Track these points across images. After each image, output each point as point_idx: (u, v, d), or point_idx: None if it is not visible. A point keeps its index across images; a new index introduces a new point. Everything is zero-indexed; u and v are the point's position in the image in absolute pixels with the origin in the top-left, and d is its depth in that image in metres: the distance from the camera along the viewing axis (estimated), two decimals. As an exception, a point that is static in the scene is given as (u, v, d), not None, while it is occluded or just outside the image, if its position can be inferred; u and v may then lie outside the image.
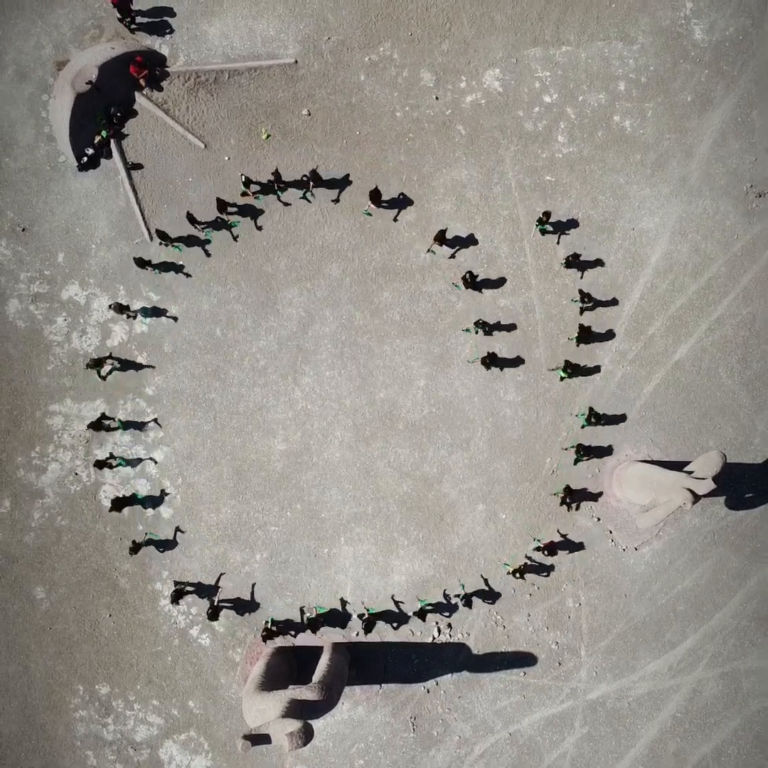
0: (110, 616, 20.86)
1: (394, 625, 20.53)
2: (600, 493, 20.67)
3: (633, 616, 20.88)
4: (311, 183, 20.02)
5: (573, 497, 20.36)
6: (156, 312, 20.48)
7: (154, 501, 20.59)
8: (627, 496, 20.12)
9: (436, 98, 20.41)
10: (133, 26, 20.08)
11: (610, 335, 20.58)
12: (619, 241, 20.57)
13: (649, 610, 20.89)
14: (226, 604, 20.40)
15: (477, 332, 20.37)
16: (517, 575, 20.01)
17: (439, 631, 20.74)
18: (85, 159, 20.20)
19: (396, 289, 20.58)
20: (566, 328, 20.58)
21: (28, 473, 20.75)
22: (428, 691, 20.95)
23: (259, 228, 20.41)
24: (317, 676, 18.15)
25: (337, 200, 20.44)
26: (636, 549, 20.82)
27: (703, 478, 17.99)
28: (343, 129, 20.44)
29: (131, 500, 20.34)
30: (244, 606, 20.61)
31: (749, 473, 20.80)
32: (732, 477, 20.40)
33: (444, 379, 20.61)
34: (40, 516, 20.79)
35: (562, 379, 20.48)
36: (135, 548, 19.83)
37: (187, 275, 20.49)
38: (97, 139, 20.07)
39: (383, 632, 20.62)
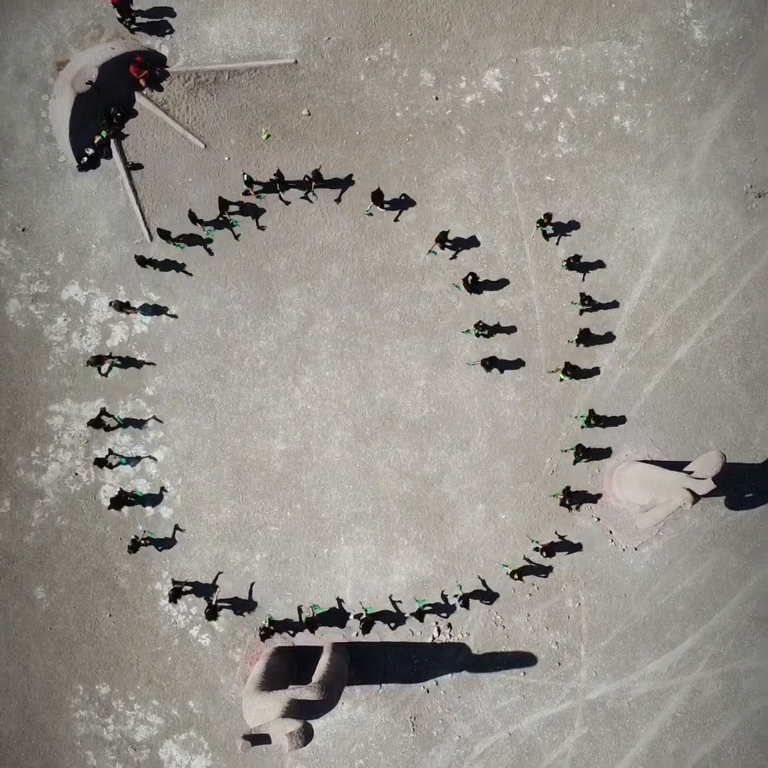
0: (110, 616, 20.87)
1: (392, 625, 20.54)
2: (599, 495, 20.67)
3: (633, 616, 20.89)
4: (313, 183, 20.02)
5: (572, 499, 20.37)
6: (156, 310, 20.48)
7: (153, 500, 20.60)
8: (627, 496, 20.12)
9: (436, 98, 20.41)
10: (133, 26, 20.08)
11: (610, 337, 20.58)
12: (619, 241, 20.57)
13: (648, 610, 20.89)
14: (224, 604, 20.41)
15: (477, 335, 20.36)
16: (516, 576, 20.01)
17: (438, 631, 20.75)
18: (85, 159, 20.21)
19: (396, 289, 20.58)
20: (566, 328, 20.59)
21: (28, 473, 20.76)
22: (428, 691, 20.96)
23: (261, 228, 20.42)
24: (317, 676, 18.16)
25: (338, 200, 20.45)
26: (636, 549, 20.82)
27: (702, 478, 17.99)
28: (343, 129, 20.44)
29: (131, 500, 20.34)
30: (244, 606, 20.62)
31: (749, 473, 20.80)
32: (732, 477, 20.41)
33: (444, 379, 20.62)
34: (40, 516, 20.80)
35: (561, 380, 20.49)
36: (134, 547, 19.84)
37: (188, 274, 20.49)
38: (97, 139, 20.07)
39: (383, 632, 20.63)
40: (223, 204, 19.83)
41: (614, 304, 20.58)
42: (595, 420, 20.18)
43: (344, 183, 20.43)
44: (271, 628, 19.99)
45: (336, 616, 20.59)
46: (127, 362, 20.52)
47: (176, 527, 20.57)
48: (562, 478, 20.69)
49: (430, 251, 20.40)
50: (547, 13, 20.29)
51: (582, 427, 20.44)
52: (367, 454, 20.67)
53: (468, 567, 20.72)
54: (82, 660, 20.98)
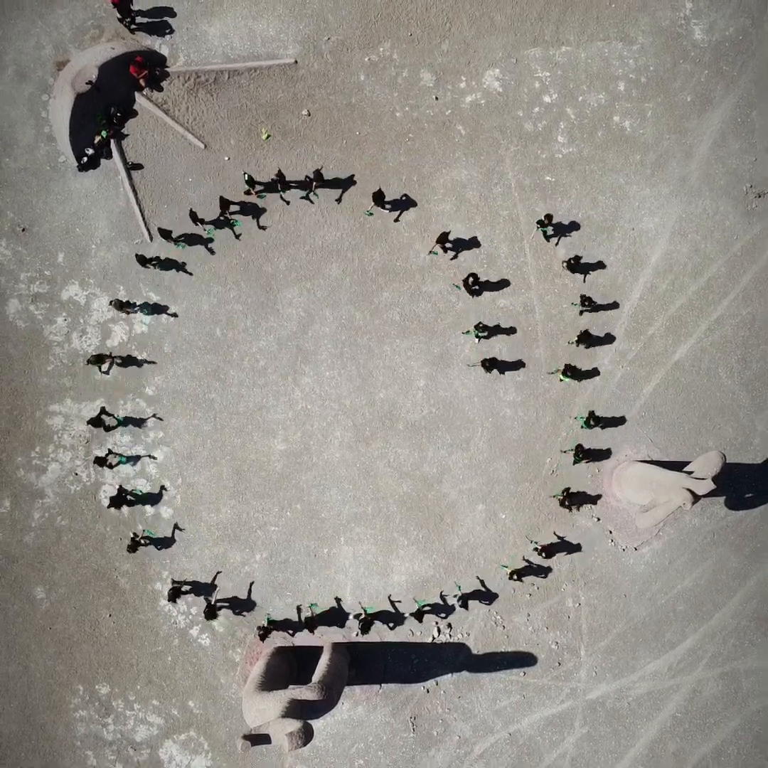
0: (110, 616, 20.87)
1: (391, 625, 20.54)
2: (599, 496, 20.67)
3: (633, 616, 20.89)
4: (314, 183, 20.02)
5: (572, 500, 20.37)
6: (157, 308, 20.48)
7: (153, 499, 20.59)
8: (627, 496, 20.12)
9: (436, 98, 20.42)
10: (133, 26, 20.09)
11: (610, 338, 20.58)
12: (619, 241, 20.58)
13: (648, 610, 20.89)
14: (223, 604, 20.40)
15: (478, 337, 20.34)
16: (515, 577, 20.01)
17: (438, 631, 20.75)
18: (85, 159, 20.21)
19: (396, 289, 20.59)
20: (566, 328, 20.59)
21: (28, 473, 20.76)
22: (428, 691, 20.96)
23: (262, 227, 20.42)
24: (317, 676, 18.16)
25: (339, 200, 20.45)
26: (636, 549, 20.83)
27: (702, 479, 17.99)
28: (343, 129, 20.45)
29: (131, 499, 20.34)
30: (244, 606, 20.62)
31: (749, 473, 20.81)
32: (732, 477, 20.41)
33: (444, 379, 20.62)
34: (40, 516, 20.80)
35: (561, 380, 20.49)
36: (133, 546, 19.85)
37: (188, 273, 20.49)
38: (97, 139, 20.07)
39: (383, 632, 20.63)
40: (224, 203, 19.83)
41: (614, 305, 20.58)
42: (594, 421, 20.19)
43: (345, 183, 20.43)
44: (270, 627, 19.99)
45: (335, 616, 20.59)
46: (128, 361, 20.51)
47: (175, 526, 20.58)
48: (562, 478, 20.70)
49: (430, 252, 20.40)
50: (547, 13, 20.30)
51: (582, 427, 20.44)
52: (367, 454, 20.67)
53: (468, 567, 20.72)
54: (82, 660, 20.98)
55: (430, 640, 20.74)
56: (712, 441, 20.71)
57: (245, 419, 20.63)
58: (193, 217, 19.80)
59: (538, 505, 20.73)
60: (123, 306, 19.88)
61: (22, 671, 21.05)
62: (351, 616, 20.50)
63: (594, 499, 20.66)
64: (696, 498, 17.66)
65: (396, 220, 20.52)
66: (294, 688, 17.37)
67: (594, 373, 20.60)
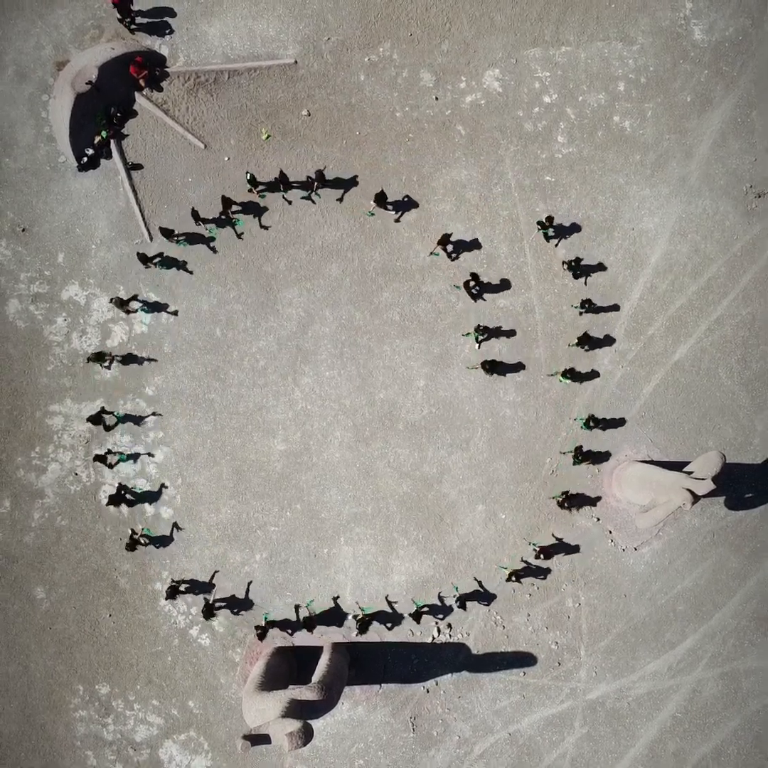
0: (110, 616, 20.87)
1: (389, 625, 20.55)
2: (599, 498, 20.68)
3: (633, 616, 20.89)
4: (316, 183, 20.02)
5: (571, 502, 20.37)
6: (157, 307, 20.46)
7: (152, 497, 20.57)
8: (626, 497, 20.13)
9: (436, 98, 20.42)
10: (133, 26, 20.08)
11: (609, 339, 20.58)
12: (619, 241, 20.58)
13: (648, 610, 20.90)
14: (221, 603, 20.39)
15: (478, 340, 20.32)
16: (514, 579, 20.01)
17: (438, 631, 20.75)
18: (85, 159, 20.20)
19: (396, 290, 20.59)
20: (566, 328, 20.59)
21: (28, 473, 20.76)
22: (428, 691, 20.97)
23: (264, 227, 20.41)
24: (317, 676, 18.16)
25: (341, 200, 20.44)
26: (635, 549, 20.83)
27: (702, 479, 18.00)
28: (342, 129, 20.45)
29: (130, 497, 20.32)
30: (243, 606, 20.62)
31: (749, 473, 20.81)
32: (731, 477, 20.41)
33: (444, 380, 20.62)
34: (40, 516, 20.80)
35: (561, 382, 20.47)
36: (132, 544, 19.86)
37: (189, 272, 20.47)
38: (97, 139, 20.08)
39: (383, 632, 20.64)
40: (226, 202, 19.81)
41: (614, 306, 20.58)
42: (594, 422, 20.20)
43: (346, 184, 20.42)
44: (268, 627, 19.99)
45: (334, 616, 20.59)
46: (128, 359, 20.48)
47: (175, 526, 20.57)
48: (562, 478, 20.70)
49: (431, 253, 20.40)
50: (547, 13, 20.30)
51: (581, 428, 20.44)
52: (366, 455, 20.67)
53: (468, 567, 20.72)
54: (82, 660, 20.99)
55: (429, 640, 20.74)
56: (712, 441, 20.72)
57: (245, 419, 20.63)
58: (195, 216, 19.79)
59: (538, 505, 20.73)
60: (123, 304, 19.86)
61: (22, 671, 21.06)
62: (349, 616, 20.51)
63: (593, 501, 20.67)
64: (696, 498, 17.66)
65: (396, 220, 20.52)
66: (294, 688, 17.38)
67: (593, 374, 20.61)
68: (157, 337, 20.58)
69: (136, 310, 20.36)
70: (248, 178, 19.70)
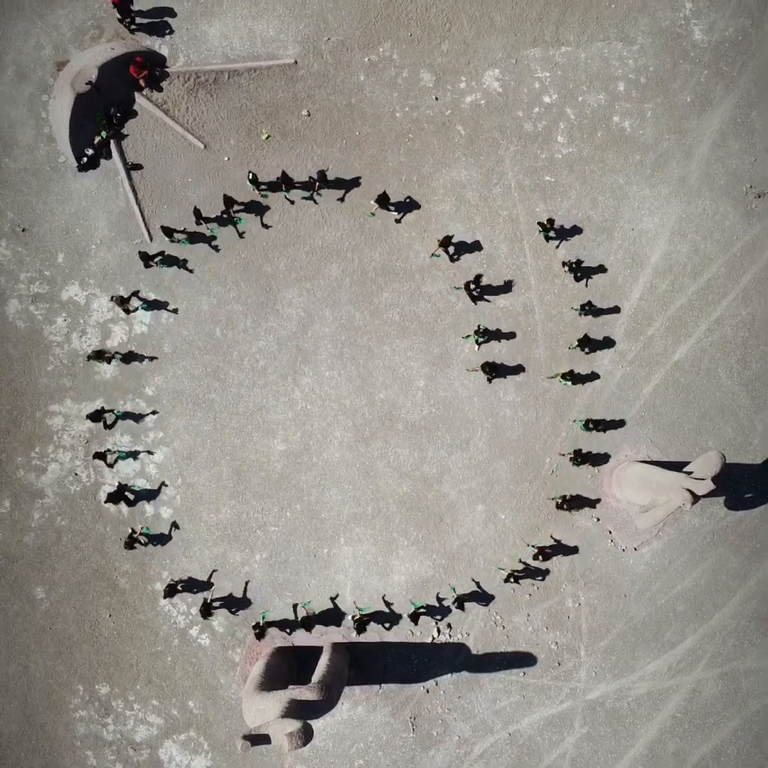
0: (110, 616, 20.88)
1: (387, 626, 20.55)
2: (598, 500, 20.68)
3: (632, 616, 20.90)
4: (318, 184, 20.01)
5: (570, 505, 20.38)
6: (157, 305, 20.45)
7: (152, 495, 20.56)
8: (626, 497, 20.13)
9: (436, 99, 20.42)
10: (133, 27, 20.09)
11: (609, 340, 20.58)
12: (619, 241, 20.58)
13: (648, 610, 20.90)
14: (217, 602, 20.36)
15: (478, 342, 20.31)
16: (513, 580, 20.01)
17: (438, 631, 20.76)
18: (85, 159, 20.21)
19: (396, 290, 20.59)
20: (566, 328, 20.60)
21: (28, 473, 20.76)
22: (428, 691, 20.97)
23: (266, 226, 20.40)
24: (317, 676, 18.17)
25: (342, 200, 20.44)
26: (635, 549, 20.83)
27: (702, 479, 18.00)
28: (342, 129, 20.45)
29: (129, 495, 20.32)
30: (242, 605, 20.62)
31: (749, 473, 20.81)
32: (731, 477, 20.41)
33: (444, 380, 20.63)
34: (40, 516, 20.80)
35: (563, 384, 20.45)
36: (130, 542, 19.87)
37: (189, 271, 20.46)
38: (97, 139, 20.08)
39: (383, 632, 20.64)
40: (229, 201, 19.79)
41: (614, 306, 20.58)
42: (593, 424, 20.21)
43: (348, 184, 20.41)
44: (265, 626, 19.98)
45: (333, 616, 20.59)
46: (129, 357, 20.46)
47: (174, 525, 20.57)
48: (562, 478, 20.71)
49: (433, 254, 20.38)
50: (546, 13, 20.30)
51: (581, 429, 20.44)
52: (366, 455, 20.68)
53: (467, 567, 20.73)
54: (82, 660, 20.99)
55: (429, 640, 20.74)
56: (712, 441, 20.72)
57: (245, 419, 20.63)
58: (197, 214, 19.78)
59: (538, 505, 20.74)
60: (124, 302, 19.83)
61: (22, 671, 21.06)
62: (348, 617, 20.51)
63: (593, 503, 20.67)
64: (696, 498, 17.67)
65: (397, 221, 20.52)
66: (294, 688, 17.38)
67: (593, 376, 20.62)
68: (157, 337, 20.58)
69: (137, 309, 20.35)
70: (250, 178, 19.70)
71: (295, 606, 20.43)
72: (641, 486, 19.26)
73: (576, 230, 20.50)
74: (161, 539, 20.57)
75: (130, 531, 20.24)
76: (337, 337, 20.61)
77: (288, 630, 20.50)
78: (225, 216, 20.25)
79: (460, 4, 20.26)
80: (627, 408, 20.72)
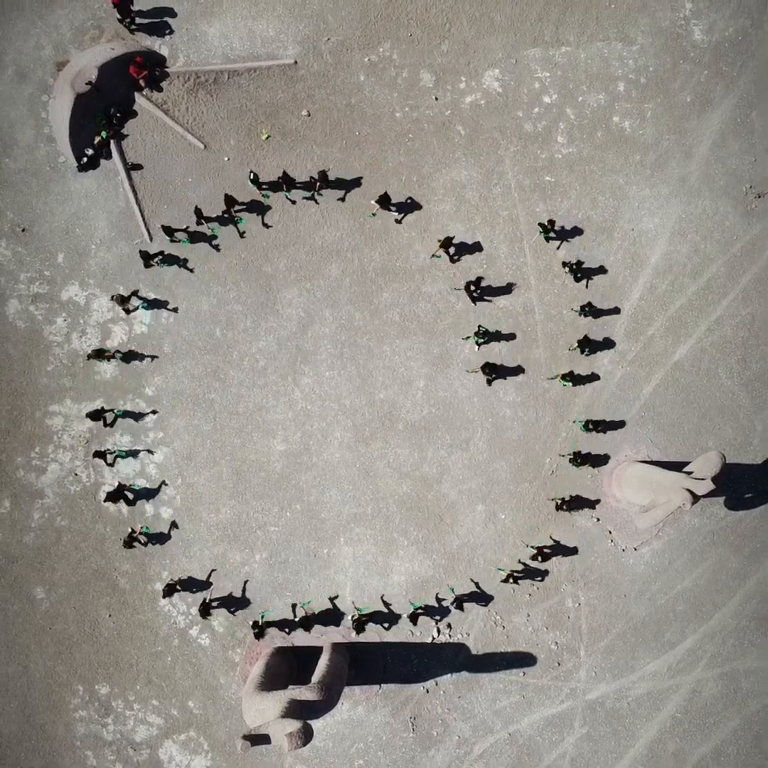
0: (110, 616, 20.88)
1: (386, 625, 20.55)
2: (597, 501, 20.68)
3: (632, 616, 20.90)
4: (319, 184, 20.01)
5: (569, 506, 20.38)
6: (157, 303, 20.44)
7: (151, 494, 20.55)
8: (626, 497, 20.13)
9: (436, 99, 20.42)
10: (132, 27, 20.09)
11: (609, 340, 20.58)
12: (619, 241, 20.58)
13: (648, 610, 20.90)
14: (215, 601, 20.35)
15: (477, 344, 20.30)
16: (511, 581, 20.01)
17: (438, 631, 20.76)
18: (85, 159, 20.21)
19: (395, 290, 20.59)
20: (566, 328, 20.60)
21: (28, 473, 20.76)
22: (428, 692, 20.97)
23: (266, 225, 20.40)
24: (317, 676, 18.17)
25: (342, 199, 20.43)
26: (635, 549, 20.83)
27: (702, 479, 18.01)
28: (342, 129, 20.45)
29: (128, 494, 20.31)
30: (242, 605, 20.63)
31: (748, 474, 20.81)
32: (731, 477, 20.41)
33: (443, 380, 20.63)
34: (40, 516, 20.81)
35: (564, 385, 20.46)
36: (129, 541, 19.87)
37: (190, 270, 20.46)
38: (97, 139, 20.08)
39: (383, 632, 20.64)
40: (230, 201, 19.78)
41: (614, 306, 20.58)
42: (593, 425, 20.21)
43: (349, 184, 20.41)
44: (264, 625, 19.98)
45: (332, 616, 20.59)
46: (129, 356, 20.46)
47: (173, 524, 20.57)
48: (562, 478, 20.71)
49: (433, 255, 20.37)
50: (546, 13, 20.30)
51: (581, 430, 20.43)
52: (366, 455, 20.68)
53: (467, 567, 20.73)
54: (82, 660, 20.99)
55: (429, 640, 20.75)
56: (712, 441, 20.72)
57: (245, 419, 20.63)
58: (199, 214, 19.78)
59: (538, 505, 20.74)
60: (124, 300, 19.82)
61: (22, 671, 21.07)
62: (347, 617, 20.51)
63: (593, 503, 20.67)
64: (696, 498, 17.67)
65: (398, 221, 20.51)
66: (294, 688, 17.38)
67: (593, 377, 20.62)
68: (157, 337, 20.58)
69: (137, 308, 20.34)
70: (251, 177, 19.71)
71: (294, 606, 20.42)
72: (641, 486, 19.26)
73: (576, 231, 20.51)
74: (160, 538, 20.57)
75: (129, 530, 20.24)
76: (337, 337, 20.61)
77: (287, 630, 20.50)
78: (226, 216, 20.25)
79: (460, 4, 20.26)
80: (627, 408, 20.72)
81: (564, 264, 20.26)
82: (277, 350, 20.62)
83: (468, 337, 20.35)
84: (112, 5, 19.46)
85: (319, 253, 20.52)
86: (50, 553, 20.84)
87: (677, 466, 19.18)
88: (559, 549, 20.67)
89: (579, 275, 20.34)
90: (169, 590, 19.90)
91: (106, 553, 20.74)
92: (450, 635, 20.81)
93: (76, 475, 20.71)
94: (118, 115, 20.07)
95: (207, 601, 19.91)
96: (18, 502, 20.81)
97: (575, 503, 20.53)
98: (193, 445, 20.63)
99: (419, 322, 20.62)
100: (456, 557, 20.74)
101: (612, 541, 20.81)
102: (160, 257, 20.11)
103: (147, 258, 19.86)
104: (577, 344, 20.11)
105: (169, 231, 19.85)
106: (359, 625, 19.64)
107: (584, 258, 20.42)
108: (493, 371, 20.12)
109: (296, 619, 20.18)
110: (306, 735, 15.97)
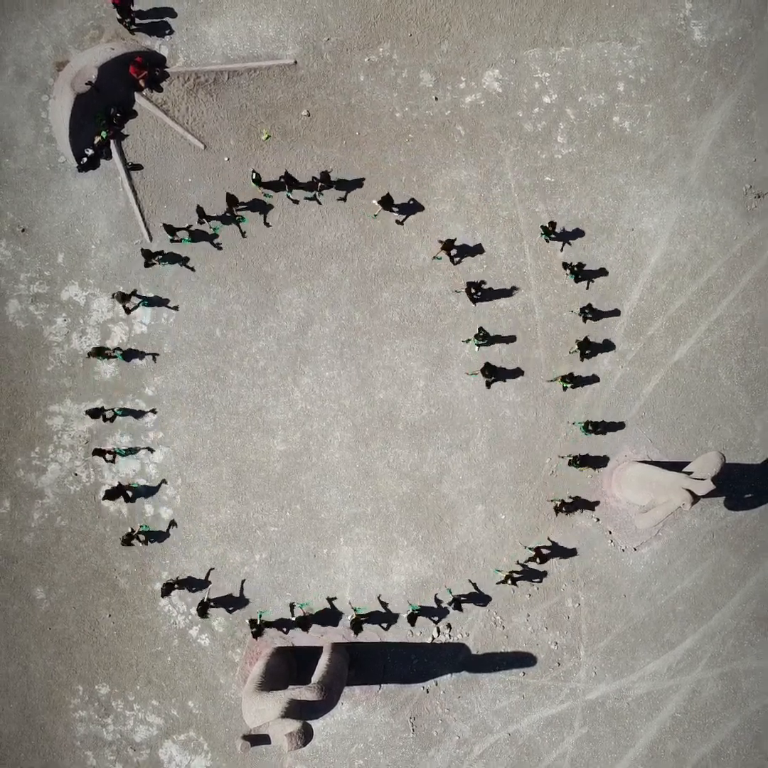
0: (110, 616, 20.88)
1: (384, 626, 20.54)
2: (596, 502, 20.68)
3: (632, 616, 20.90)
4: (320, 184, 20.01)
5: (568, 508, 20.38)
6: (157, 302, 20.43)
7: (150, 492, 20.54)
8: (626, 497, 20.13)
9: (436, 99, 20.42)
10: (132, 27, 20.09)
11: (609, 343, 20.57)
12: (619, 241, 20.58)
13: (648, 610, 20.91)
14: (213, 601, 20.36)
15: (477, 346, 20.29)
16: (510, 582, 20.00)
17: (438, 631, 20.76)
18: (85, 159, 20.21)
19: (395, 290, 20.59)
20: (566, 328, 20.59)
21: (28, 473, 20.77)
22: (428, 692, 20.98)
23: (268, 225, 20.39)
24: (317, 676, 18.17)
25: (344, 200, 20.43)
26: (635, 549, 20.84)
27: (702, 479, 18.00)
28: (342, 129, 20.45)
29: (128, 493, 20.30)
30: (242, 605, 20.63)
31: (748, 474, 20.81)
32: (731, 477, 20.41)
33: (443, 380, 20.63)
34: (40, 516, 20.81)
35: (564, 388, 20.44)
36: (128, 539, 19.88)
37: (191, 269, 20.45)
38: (97, 139, 20.08)
39: (382, 633, 20.64)
40: (232, 200, 19.77)
41: (615, 308, 20.57)
42: (592, 427, 20.20)
43: (350, 185, 20.40)
44: (262, 624, 19.97)
45: (332, 616, 20.59)
46: (129, 355, 20.44)
47: (172, 523, 20.57)
48: (562, 479, 20.70)
49: (434, 257, 20.36)
50: (546, 13, 20.29)
51: (580, 431, 20.42)
52: (366, 455, 20.68)
53: (467, 567, 20.73)
54: (82, 660, 21.00)
55: (429, 640, 20.75)
56: (712, 441, 20.72)
57: (245, 420, 20.64)
58: (200, 213, 19.77)
59: (538, 505, 20.74)
60: (125, 298, 19.79)
61: (22, 671, 21.07)
62: (345, 617, 20.50)
63: (592, 504, 20.66)
64: (695, 498, 17.67)
65: (399, 222, 20.51)
66: (293, 688, 17.39)
67: (593, 379, 20.62)
68: (157, 337, 20.58)
69: (137, 306, 20.32)
70: (253, 177, 19.70)
71: (291, 605, 20.40)
72: (641, 486, 19.26)
73: (577, 233, 20.50)
74: (159, 537, 20.57)
75: (129, 529, 20.25)
76: (337, 337, 20.61)
77: (285, 629, 20.49)
78: (228, 215, 20.25)
79: (460, 4, 20.26)
80: (627, 408, 20.72)
81: (564, 265, 20.25)
82: (277, 350, 20.62)
83: (468, 340, 20.35)
84: (112, 5, 19.47)
85: (319, 253, 20.53)
86: (50, 553, 20.84)
87: (677, 467, 19.18)
88: (558, 550, 20.67)
89: (579, 276, 20.34)
90: (167, 589, 19.91)
91: (106, 553, 20.74)
92: (450, 635, 20.81)
93: (76, 475, 20.72)
94: (118, 115, 20.07)
95: (205, 600, 19.91)
96: (18, 502, 20.81)
97: (575, 505, 20.53)
98: (193, 445, 20.64)
99: (419, 323, 20.62)
100: (456, 557, 20.75)
101: (612, 541, 20.81)
102: (161, 257, 20.11)
103: (148, 256, 19.85)
104: (577, 347, 20.10)
105: (170, 230, 19.85)
106: (356, 625, 19.64)
107: (584, 258, 20.43)
108: (493, 373, 20.11)
109: (294, 619, 20.18)
110: (306, 735, 15.97)
